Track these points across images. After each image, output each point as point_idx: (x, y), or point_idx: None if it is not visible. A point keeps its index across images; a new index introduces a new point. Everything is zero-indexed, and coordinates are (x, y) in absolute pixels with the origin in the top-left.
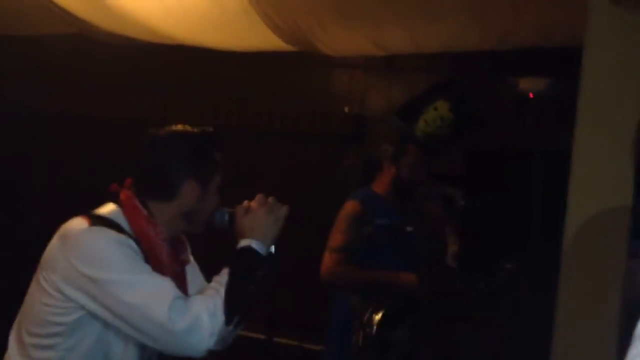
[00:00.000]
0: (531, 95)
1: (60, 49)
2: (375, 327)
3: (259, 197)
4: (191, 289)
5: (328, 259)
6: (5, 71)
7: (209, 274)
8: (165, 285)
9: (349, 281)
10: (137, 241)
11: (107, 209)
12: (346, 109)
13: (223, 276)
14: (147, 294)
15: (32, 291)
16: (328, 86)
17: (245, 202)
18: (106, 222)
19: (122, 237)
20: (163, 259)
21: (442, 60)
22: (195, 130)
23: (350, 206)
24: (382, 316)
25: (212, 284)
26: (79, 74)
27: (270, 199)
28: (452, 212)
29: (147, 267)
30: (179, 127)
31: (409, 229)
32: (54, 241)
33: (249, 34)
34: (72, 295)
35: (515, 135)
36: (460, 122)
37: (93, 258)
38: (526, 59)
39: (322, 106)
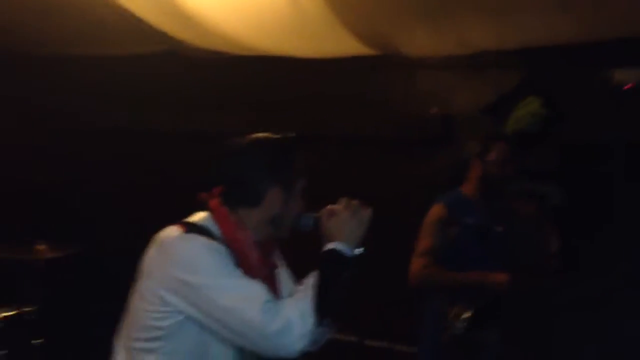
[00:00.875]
0: (629, 86)
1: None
2: (462, 327)
3: (343, 200)
4: (283, 292)
5: (415, 263)
6: (82, 91)
7: (299, 278)
8: (257, 289)
9: (436, 284)
10: (228, 246)
11: (199, 216)
12: (433, 111)
13: (311, 279)
14: (240, 297)
15: (134, 299)
16: (413, 88)
17: (329, 206)
18: (199, 229)
19: (214, 243)
20: (253, 263)
21: (530, 55)
22: (277, 136)
23: (435, 210)
24: (470, 316)
25: (301, 287)
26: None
27: (354, 202)
28: (547, 211)
29: (239, 272)
30: (261, 134)
31: (498, 228)
32: (151, 250)
33: (329, 40)
34: (171, 300)
35: (610, 128)
36: (551, 118)
37: (188, 264)
38: (617, 50)
39: (408, 109)
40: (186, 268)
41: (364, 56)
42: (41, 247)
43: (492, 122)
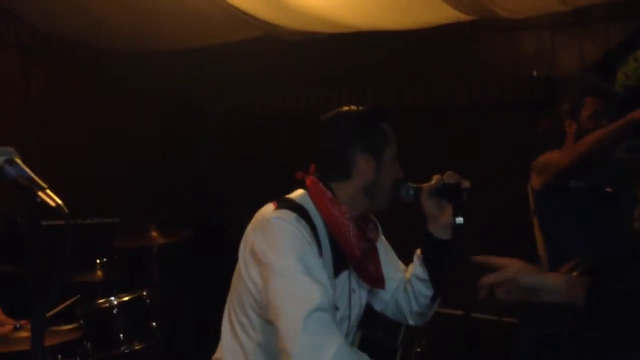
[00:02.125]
0: None
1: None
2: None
3: (448, 173)
4: (384, 266)
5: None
6: (189, 79)
7: (403, 251)
8: (314, 293)
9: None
10: (324, 222)
11: (295, 193)
12: (535, 73)
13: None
14: (294, 294)
15: (235, 275)
16: (513, 51)
17: (435, 177)
18: (291, 205)
19: (300, 225)
20: (350, 238)
21: (638, 5)
22: (361, 107)
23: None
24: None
25: None
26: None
27: (455, 175)
28: None
29: (313, 266)
30: (346, 108)
31: (608, 189)
32: (248, 227)
33: (424, 10)
34: (252, 273)
35: None
36: None
37: (270, 241)
38: None
39: (509, 73)
40: (268, 243)
41: (461, 23)
42: (155, 233)
43: (600, 80)
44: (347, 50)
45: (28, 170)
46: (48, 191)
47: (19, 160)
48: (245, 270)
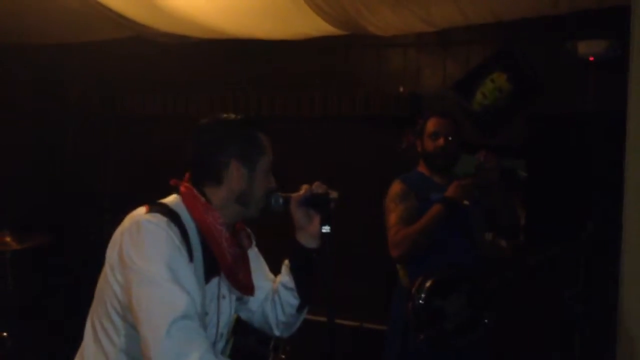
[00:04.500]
0: (592, 59)
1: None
2: (423, 297)
3: (316, 183)
4: (254, 274)
5: (390, 235)
6: (65, 78)
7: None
8: (181, 300)
9: (411, 241)
10: (197, 227)
11: (169, 199)
12: (401, 89)
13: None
14: (161, 299)
15: (101, 279)
16: (381, 67)
17: (304, 187)
18: (164, 209)
19: (171, 229)
20: (222, 243)
21: (495, 30)
22: (235, 115)
23: (394, 186)
24: (432, 284)
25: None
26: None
27: (322, 186)
28: (515, 184)
29: (181, 272)
30: (222, 114)
31: (464, 203)
32: (118, 228)
33: (296, 21)
34: (118, 276)
35: (576, 100)
36: (518, 92)
37: (139, 244)
38: (582, 22)
39: (376, 88)
40: (136, 247)
41: (333, 36)
42: (8, 238)
43: (460, 99)
44: (222, 56)
45: None
46: None
47: None
48: (112, 273)
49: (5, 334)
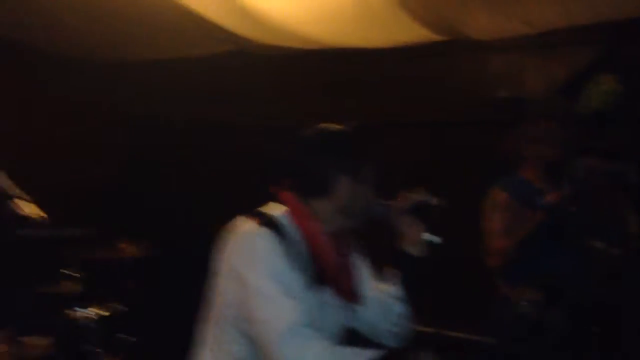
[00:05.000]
0: None
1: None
2: (525, 307)
3: (417, 190)
4: (359, 283)
5: (489, 244)
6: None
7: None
8: (289, 309)
9: (511, 251)
10: (302, 238)
11: (270, 207)
12: (503, 93)
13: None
14: (270, 310)
15: (210, 289)
16: (482, 71)
17: (403, 194)
18: (267, 219)
19: (278, 245)
20: (326, 253)
21: (602, 30)
22: (342, 126)
23: (495, 193)
24: (533, 294)
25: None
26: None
27: (425, 192)
28: (625, 189)
29: (289, 281)
30: (326, 125)
31: (571, 209)
32: (226, 240)
33: (394, 29)
34: (230, 287)
35: None
36: (627, 94)
37: (250, 259)
38: None
39: (478, 93)
40: (245, 259)
41: (432, 42)
42: (126, 245)
43: (565, 102)
44: (318, 66)
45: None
46: (26, 202)
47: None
48: (221, 284)
49: (134, 339)
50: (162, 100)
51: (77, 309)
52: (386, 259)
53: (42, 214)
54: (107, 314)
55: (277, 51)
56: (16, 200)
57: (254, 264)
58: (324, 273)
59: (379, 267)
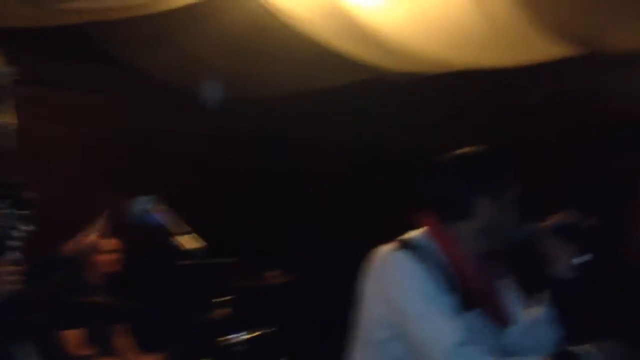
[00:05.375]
0: None
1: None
2: None
3: (568, 212)
4: (509, 305)
5: None
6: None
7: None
8: (450, 328)
9: None
10: (446, 262)
11: (415, 233)
12: None
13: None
14: (432, 333)
15: (360, 314)
16: (626, 85)
17: (555, 215)
18: (413, 245)
19: (425, 264)
20: (472, 276)
21: None
22: (481, 149)
23: None
24: None
25: None
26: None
27: (575, 214)
28: None
29: (442, 304)
30: (465, 149)
31: None
32: (369, 267)
33: (525, 46)
34: (383, 312)
35: None
36: None
37: (398, 284)
38: None
39: (622, 107)
40: (397, 286)
41: (566, 58)
42: (271, 273)
43: None
44: (451, 88)
45: (167, 217)
46: (187, 235)
47: (159, 208)
48: (370, 308)
49: None
50: (301, 129)
51: (230, 334)
52: (534, 282)
53: (201, 244)
54: (258, 338)
55: (409, 77)
56: (178, 236)
57: (403, 287)
58: (472, 295)
59: (528, 291)
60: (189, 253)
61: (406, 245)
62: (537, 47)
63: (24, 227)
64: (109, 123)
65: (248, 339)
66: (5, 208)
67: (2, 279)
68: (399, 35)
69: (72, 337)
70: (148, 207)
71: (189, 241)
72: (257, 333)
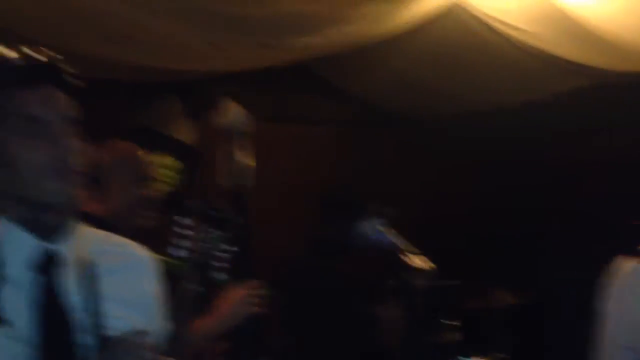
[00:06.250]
0: None
1: None
2: None
3: None
4: None
5: None
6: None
7: None
8: None
9: None
10: None
11: None
12: None
13: None
14: None
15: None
16: None
17: None
18: None
19: None
20: None
21: None
22: None
23: None
24: None
25: None
26: None
27: None
28: None
29: None
30: None
31: None
32: (608, 278)
33: None
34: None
35: None
36: None
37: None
38: None
39: None
40: None
41: None
42: (502, 293)
43: None
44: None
45: (398, 238)
46: (416, 255)
47: (390, 229)
48: (610, 325)
49: None
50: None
51: (460, 358)
52: None
53: (431, 265)
54: None
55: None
56: (407, 254)
57: None
58: None
59: None
60: (422, 273)
61: None
62: None
63: (228, 248)
64: (334, 155)
65: None
66: (212, 232)
67: (247, 301)
68: (622, 31)
69: None
70: (381, 228)
71: (419, 262)
72: (488, 359)
